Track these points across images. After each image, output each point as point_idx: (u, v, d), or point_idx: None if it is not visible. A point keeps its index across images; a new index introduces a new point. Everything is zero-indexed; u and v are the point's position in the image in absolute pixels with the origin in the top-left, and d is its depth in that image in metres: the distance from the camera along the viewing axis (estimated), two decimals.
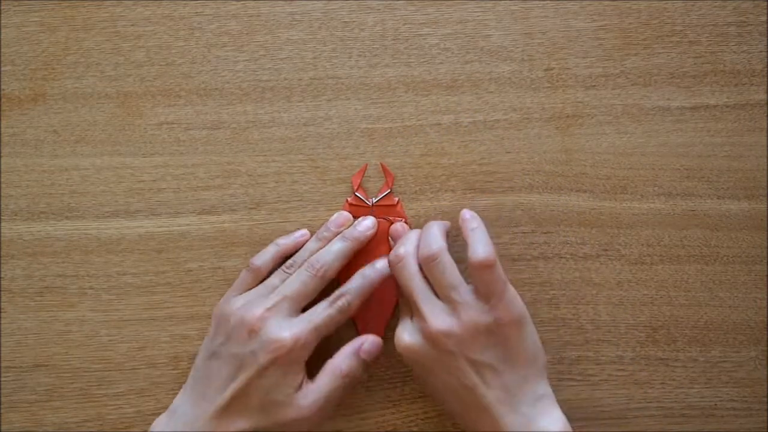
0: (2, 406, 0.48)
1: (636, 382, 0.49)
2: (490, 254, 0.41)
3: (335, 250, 0.46)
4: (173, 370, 0.49)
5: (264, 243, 0.49)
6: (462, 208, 0.50)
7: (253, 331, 0.43)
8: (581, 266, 0.50)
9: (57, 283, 0.49)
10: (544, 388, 0.43)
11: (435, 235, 0.44)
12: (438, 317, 0.42)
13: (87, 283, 0.49)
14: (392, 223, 0.49)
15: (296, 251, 0.47)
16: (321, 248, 0.46)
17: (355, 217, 0.49)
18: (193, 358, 0.48)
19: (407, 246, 0.44)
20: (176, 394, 0.46)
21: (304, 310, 0.45)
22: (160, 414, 0.46)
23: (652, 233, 0.50)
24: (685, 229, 0.50)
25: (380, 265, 0.46)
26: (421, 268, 0.44)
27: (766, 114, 0.51)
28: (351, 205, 0.49)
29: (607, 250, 0.50)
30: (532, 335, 0.43)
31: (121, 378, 0.49)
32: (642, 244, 0.50)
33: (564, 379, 0.49)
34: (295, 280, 0.45)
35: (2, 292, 0.49)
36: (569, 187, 0.50)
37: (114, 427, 0.48)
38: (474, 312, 0.41)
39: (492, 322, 0.41)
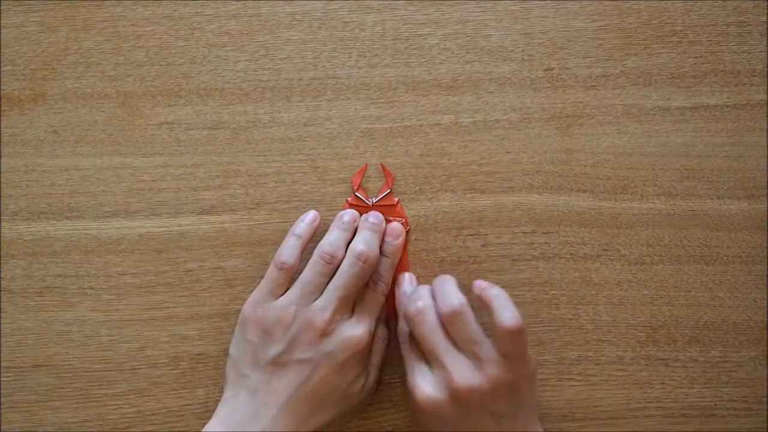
0: (2, 406, 0.48)
1: (636, 382, 0.49)
2: (519, 321, 0.41)
3: (373, 239, 0.46)
4: (173, 370, 0.49)
5: (264, 243, 0.49)
6: (462, 208, 0.50)
7: (325, 335, 0.43)
8: (581, 266, 0.50)
9: (57, 283, 0.49)
10: (540, 428, 0.45)
11: (454, 289, 0.44)
12: (464, 372, 0.42)
13: (87, 283, 0.49)
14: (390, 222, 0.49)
15: (313, 237, 0.47)
16: (349, 237, 0.47)
17: None
18: (193, 358, 0.48)
19: (425, 299, 0.45)
20: (176, 394, 0.46)
21: None
22: (160, 414, 0.46)
23: (652, 233, 0.50)
24: (685, 229, 0.50)
25: (392, 235, 0.48)
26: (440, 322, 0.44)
27: (766, 114, 0.51)
28: (351, 204, 0.49)
29: (607, 250, 0.50)
30: (536, 385, 0.46)
31: (121, 378, 0.49)
32: (642, 244, 0.50)
33: (564, 379, 0.49)
34: (347, 274, 0.44)
35: (2, 292, 0.49)
36: (569, 187, 0.50)
37: (114, 427, 0.48)
38: (498, 369, 0.42)
39: (512, 378, 0.42)
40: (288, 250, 0.46)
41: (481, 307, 0.44)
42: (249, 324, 0.45)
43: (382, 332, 0.47)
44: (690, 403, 0.49)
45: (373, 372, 0.46)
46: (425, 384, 0.43)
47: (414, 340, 0.45)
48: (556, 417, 0.49)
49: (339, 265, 0.45)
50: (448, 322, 0.43)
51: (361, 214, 0.49)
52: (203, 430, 0.43)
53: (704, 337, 0.50)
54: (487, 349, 0.42)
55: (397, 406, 0.49)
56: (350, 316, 0.45)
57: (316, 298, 0.44)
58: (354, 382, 0.44)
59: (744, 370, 0.49)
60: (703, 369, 0.49)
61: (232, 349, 0.46)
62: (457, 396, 0.42)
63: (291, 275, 0.46)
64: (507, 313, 0.42)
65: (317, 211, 0.49)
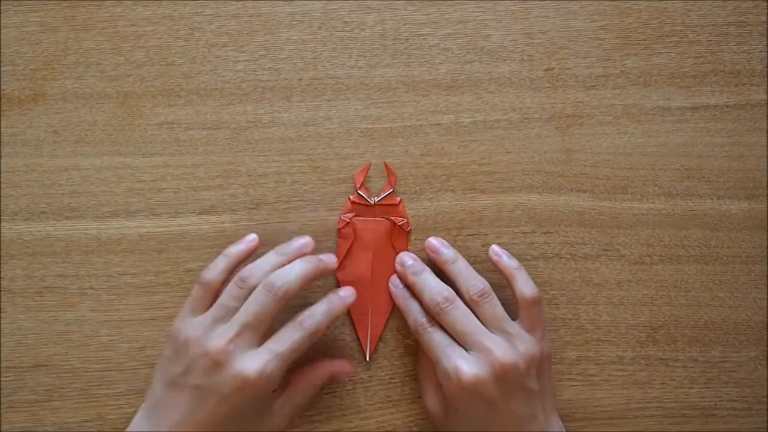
0: (2, 406, 0.48)
1: (636, 382, 0.49)
2: (538, 291, 0.45)
3: (297, 269, 0.43)
4: None
5: (264, 243, 0.49)
6: (462, 208, 0.50)
7: (217, 364, 0.41)
8: (581, 266, 0.50)
9: (57, 283, 0.49)
10: (559, 420, 0.46)
11: (472, 272, 0.46)
12: (504, 349, 0.43)
13: (87, 283, 0.49)
14: (394, 224, 0.49)
15: (246, 259, 0.46)
16: (280, 263, 0.44)
17: (358, 215, 0.49)
18: None
19: (447, 287, 0.45)
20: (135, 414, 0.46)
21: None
22: None
23: (652, 233, 0.50)
24: (685, 229, 0.50)
25: (344, 293, 0.45)
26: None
27: (766, 114, 0.51)
28: (353, 203, 0.49)
29: (607, 250, 0.50)
30: (551, 366, 0.47)
31: (121, 378, 0.49)
32: (642, 244, 0.50)
33: (564, 379, 0.49)
34: (253, 303, 0.42)
35: (2, 292, 0.49)
36: (569, 187, 0.50)
37: (114, 427, 0.48)
38: (528, 343, 0.44)
39: (539, 354, 0.44)
40: (213, 268, 0.45)
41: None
42: (168, 338, 0.44)
43: (317, 376, 0.45)
44: (690, 403, 0.49)
45: (287, 410, 0.45)
46: (468, 364, 0.42)
47: (437, 329, 0.44)
48: None
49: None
50: (476, 304, 0.44)
51: (360, 216, 0.49)
52: None
53: (704, 337, 0.50)
54: (514, 326, 0.44)
55: (397, 406, 0.49)
56: (252, 347, 0.42)
57: (225, 322, 0.42)
58: (247, 418, 0.42)
59: (744, 370, 0.49)
60: (703, 369, 0.49)
61: (160, 359, 0.45)
62: (499, 373, 0.42)
63: (212, 294, 0.44)
64: (528, 285, 0.45)
65: (318, 211, 0.49)
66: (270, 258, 0.45)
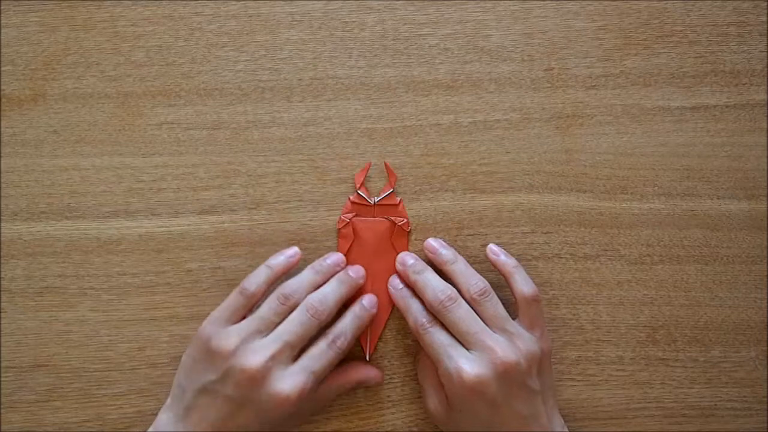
0: (2, 406, 0.48)
1: (636, 382, 0.49)
2: (537, 289, 0.46)
3: (336, 293, 0.45)
4: (173, 370, 0.48)
5: (264, 243, 0.49)
6: (462, 208, 0.50)
7: (255, 381, 0.42)
8: (581, 266, 0.50)
9: (57, 283, 0.49)
10: (560, 417, 0.46)
11: (472, 271, 0.46)
12: (506, 348, 0.43)
13: (87, 283, 0.49)
14: (394, 224, 0.49)
15: (287, 272, 0.46)
16: (318, 282, 0.46)
17: (358, 215, 0.49)
18: None
19: (449, 286, 0.45)
20: (160, 412, 0.46)
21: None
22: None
23: (652, 233, 0.50)
24: (685, 229, 0.50)
25: (367, 302, 0.47)
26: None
27: (766, 114, 0.51)
28: (353, 203, 0.49)
29: (607, 250, 0.50)
30: (551, 364, 0.47)
31: (121, 378, 0.49)
32: (642, 244, 0.50)
33: (564, 379, 0.49)
34: (295, 323, 0.43)
35: (2, 292, 0.49)
36: (569, 187, 0.50)
37: (114, 427, 0.48)
38: (528, 342, 0.44)
39: (539, 353, 0.44)
40: (255, 279, 0.45)
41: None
42: (198, 340, 0.44)
43: (340, 381, 0.46)
44: (690, 403, 0.49)
45: (313, 407, 0.46)
46: (471, 364, 0.42)
47: (438, 328, 0.44)
48: None
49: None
50: (477, 303, 0.44)
51: (359, 215, 0.49)
52: None
53: (704, 337, 0.50)
54: (514, 325, 0.44)
55: (397, 406, 0.49)
56: (288, 365, 0.43)
57: (264, 336, 0.43)
58: (283, 422, 0.43)
59: (744, 370, 0.49)
60: (703, 369, 0.49)
61: (184, 357, 0.46)
62: (501, 372, 0.42)
63: (251, 304, 0.45)
64: (527, 283, 0.46)
65: (318, 211, 0.49)
66: (308, 276, 0.46)
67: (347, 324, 0.45)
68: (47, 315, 0.49)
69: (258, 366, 0.42)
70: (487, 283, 0.45)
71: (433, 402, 0.46)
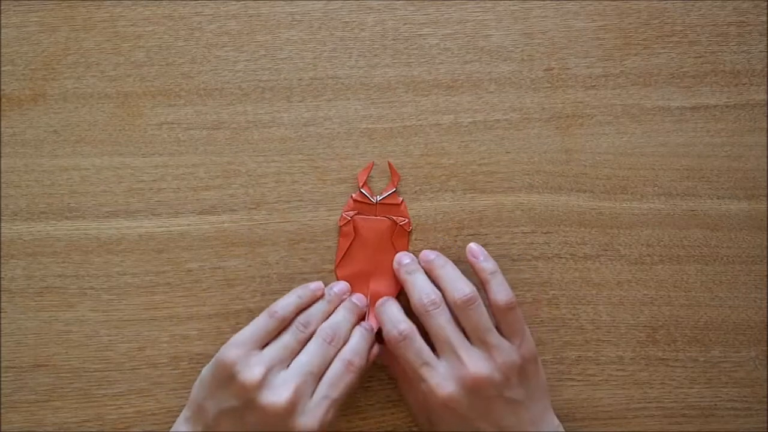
0: (2, 406, 0.48)
1: (636, 382, 0.49)
2: (512, 297, 0.45)
3: (347, 322, 0.46)
4: (173, 370, 0.49)
5: (264, 243, 0.49)
6: (462, 208, 0.50)
7: (280, 417, 0.41)
8: (581, 266, 0.50)
9: (57, 283, 0.49)
10: (555, 418, 0.46)
11: (460, 276, 0.46)
12: (478, 362, 0.43)
13: (87, 283, 0.49)
14: (395, 223, 0.49)
15: (312, 303, 0.47)
16: (329, 311, 0.47)
17: (359, 213, 0.49)
18: (193, 358, 0.48)
19: (436, 291, 0.45)
20: (176, 394, 0.46)
21: None
22: (160, 414, 0.46)
23: (652, 233, 0.50)
24: (685, 229, 0.50)
25: (368, 324, 0.47)
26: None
27: (766, 114, 0.51)
28: (355, 201, 0.49)
29: (607, 250, 0.50)
30: (541, 368, 0.47)
31: (121, 378, 0.48)
32: (642, 244, 0.50)
33: (564, 379, 0.49)
34: (314, 353, 0.44)
35: (2, 292, 0.49)
36: (569, 187, 0.50)
37: (114, 427, 0.48)
38: (506, 353, 0.43)
39: (519, 361, 0.44)
40: (287, 306, 0.46)
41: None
42: (222, 363, 0.43)
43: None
44: (690, 403, 0.49)
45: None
46: (439, 384, 0.43)
47: (412, 340, 0.44)
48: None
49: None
50: (461, 310, 0.44)
51: (362, 214, 0.49)
52: None
53: (704, 337, 0.50)
54: (496, 336, 0.44)
55: (397, 406, 0.49)
56: (311, 395, 0.43)
57: (286, 367, 0.43)
58: None
59: (744, 370, 0.49)
60: (703, 369, 0.49)
61: (205, 373, 0.45)
62: (472, 388, 0.42)
63: (281, 328, 0.45)
64: (502, 290, 0.45)
65: (318, 211, 0.49)
66: (321, 306, 0.47)
67: (359, 343, 0.45)
68: (47, 315, 0.49)
69: (285, 402, 0.41)
70: (474, 290, 0.44)
71: (414, 414, 0.47)
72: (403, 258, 0.48)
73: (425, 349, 0.44)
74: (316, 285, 0.47)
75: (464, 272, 0.47)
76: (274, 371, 0.43)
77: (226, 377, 0.43)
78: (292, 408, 0.42)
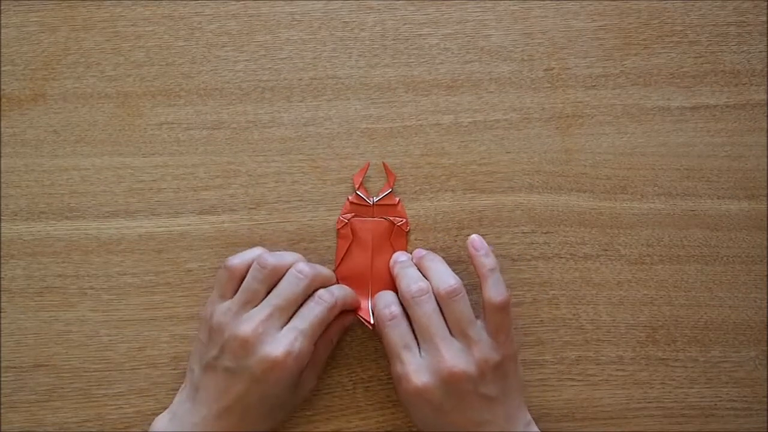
0: (2, 406, 0.48)
1: (636, 382, 0.49)
2: (507, 297, 0.44)
3: (318, 266, 0.46)
4: (173, 370, 0.49)
5: (264, 243, 0.49)
6: (462, 208, 0.50)
7: (246, 348, 0.42)
8: (581, 266, 0.50)
9: (57, 283, 0.49)
10: (528, 414, 0.46)
11: (447, 270, 0.46)
12: (456, 356, 0.43)
13: (87, 283, 0.49)
14: (393, 224, 0.49)
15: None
16: (297, 259, 0.46)
17: (356, 215, 0.49)
18: None
19: (424, 280, 0.45)
20: (176, 394, 0.46)
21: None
22: (160, 414, 0.46)
23: (652, 233, 0.50)
24: (685, 229, 0.50)
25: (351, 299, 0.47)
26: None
27: (766, 114, 0.51)
28: (352, 203, 0.49)
29: (607, 250, 0.50)
30: (520, 367, 0.47)
31: (121, 378, 0.49)
32: (642, 244, 0.50)
33: (564, 379, 0.49)
34: (282, 287, 0.44)
35: (2, 292, 0.49)
36: (569, 187, 0.50)
37: (114, 427, 0.48)
38: (487, 349, 0.43)
39: (499, 359, 0.44)
40: (240, 256, 0.46)
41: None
42: (201, 321, 0.46)
43: (331, 333, 0.46)
44: (690, 403, 0.49)
45: (312, 375, 0.46)
46: (417, 371, 0.43)
47: (399, 322, 0.44)
48: (556, 417, 0.49)
49: (278, 280, 0.45)
50: (445, 302, 0.44)
51: (359, 215, 0.49)
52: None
53: (704, 337, 0.50)
54: (478, 330, 0.44)
55: (397, 406, 0.49)
56: (280, 329, 0.43)
57: (254, 307, 0.44)
58: (280, 395, 0.44)
59: (744, 370, 0.49)
60: (703, 369, 0.49)
61: (195, 342, 0.46)
62: (447, 380, 0.42)
63: (237, 279, 0.45)
64: (499, 288, 0.44)
65: (318, 211, 0.49)
66: (290, 254, 0.47)
67: (333, 287, 0.46)
68: (47, 315, 0.49)
69: (250, 332, 0.42)
70: (460, 283, 0.44)
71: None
72: (400, 256, 0.48)
73: (410, 335, 0.44)
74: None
75: (459, 273, 0.47)
76: (240, 312, 0.44)
77: (205, 332, 0.45)
78: (257, 338, 0.42)
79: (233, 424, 0.43)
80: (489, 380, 0.43)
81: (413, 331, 0.44)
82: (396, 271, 0.47)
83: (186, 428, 0.43)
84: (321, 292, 0.45)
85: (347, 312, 0.47)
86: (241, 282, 0.45)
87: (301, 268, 0.45)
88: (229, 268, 0.45)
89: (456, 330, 0.44)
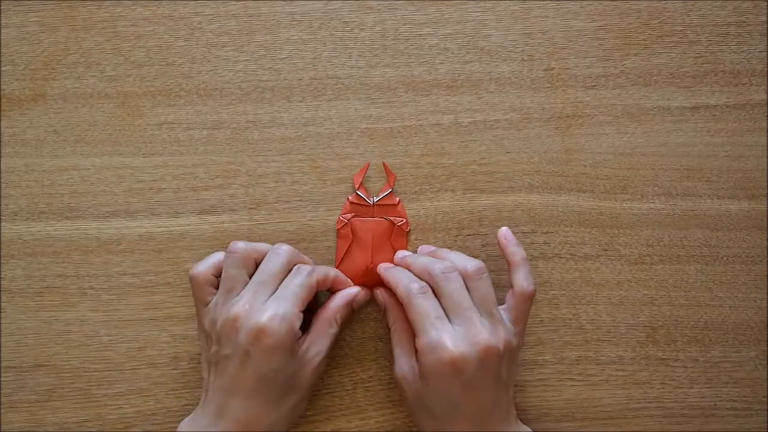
0: (2, 406, 0.48)
1: (636, 382, 0.49)
2: (535, 288, 0.45)
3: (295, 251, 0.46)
4: (173, 370, 0.49)
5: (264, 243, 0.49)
6: (462, 208, 0.50)
7: (236, 324, 0.42)
8: (581, 266, 0.50)
9: (57, 283, 0.49)
10: (515, 409, 0.46)
11: (466, 255, 0.46)
12: (490, 333, 0.43)
13: (87, 283, 0.49)
14: (393, 224, 0.49)
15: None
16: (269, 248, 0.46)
17: (357, 215, 0.49)
18: (193, 358, 0.48)
19: (449, 261, 0.45)
20: (176, 394, 0.47)
21: None
22: (159, 414, 0.46)
23: (652, 233, 0.50)
24: (685, 229, 0.50)
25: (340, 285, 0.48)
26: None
27: (766, 114, 0.51)
28: (352, 203, 0.49)
29: (607, 250, 0.50)
30: (519, 358, 0.47)
31: (121, 378, 0.49)
32: (642, 244, 0.50)
33: (564, 379, 0.49)
34: (263, 266, 0.44)
35: (2, 292, 0.49)
36: (569, 187, 0.50)
37: (114, 427, 0.48)
38: (508, 332, 0.44)
39: (515, 345, 0.44)
40: (202, 264, 0.45)
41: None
42: (198, 333, 0.46)
43: (342, 318, 0.46)
44: (690, 403, 0.49)
45: (317, 351, 0.45)
46: (454, 340, 0.42)
47: (428, 296, 0.44)
48: (556, 417, 0.49)
49: (254, 264, 0.45)
50: (473, 280, 0.44)
51: (359, 216, 0.49)
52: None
53: (704, 337, 0.50)
54: (499, 311, 0.44)
55: (397, 406, 0.49)
56: (265, 302, 0.43)
57: (238, 293, 0.44)
58: (279, 369, 0.42)
59: (744, 370, 0.49)
60: (703, 369, 0.49)
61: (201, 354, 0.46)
62: (483, 355, 0.42)
63: (207, 284, 0.45)
64: (529, 279, 0.45)
65: (318, 211, 0.49)
66: (264, 244, 0.46)
67: (312, 263, 0.47)
68: (47, 315, 0.49)
69: (239, 310, 0.42)
70: (483, 264, 0.45)
71: (402, 369, 0.45)
72: (404, 252, 0.48)
73: (440, 308, 0.44)
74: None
75: None
76: (227, 300, 0.44)
77: (203, 335, 0.45)
78: (244, 314, 0.42)
79: (240, 413, 0.42)
80: (506, 363, 0.44)
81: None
82: (408, 261, 0.46)
83: (200, 428, 0.43)
84: (299, 264, 0.45)
85: (352, 288, 0.47)
86: (215, 285, 0.45)
87: (279, 246, 0.45)
88: (194, 277, 0.45)
89: (482, 308, 0.44)
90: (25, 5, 0.51)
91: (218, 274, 0.45)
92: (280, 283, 0.44)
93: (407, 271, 0.46)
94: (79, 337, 0.49)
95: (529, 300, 0.45)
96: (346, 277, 0.48)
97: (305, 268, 0.45)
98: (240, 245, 0.45)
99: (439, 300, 0.44)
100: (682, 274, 0.50)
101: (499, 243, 0.47)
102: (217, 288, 0.45)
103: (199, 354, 0.49)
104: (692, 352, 0.49)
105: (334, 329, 0.46)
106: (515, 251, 0.46)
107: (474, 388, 0.42)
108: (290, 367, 0.43)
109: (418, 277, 0.45)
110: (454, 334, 0.42)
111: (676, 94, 0.51)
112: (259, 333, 0.42)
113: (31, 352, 0.49)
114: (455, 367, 0.42)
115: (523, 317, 0.45)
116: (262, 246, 0.46)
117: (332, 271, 0.47)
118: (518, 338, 0.45)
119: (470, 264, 0.44)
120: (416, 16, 0.51)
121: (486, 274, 0.44)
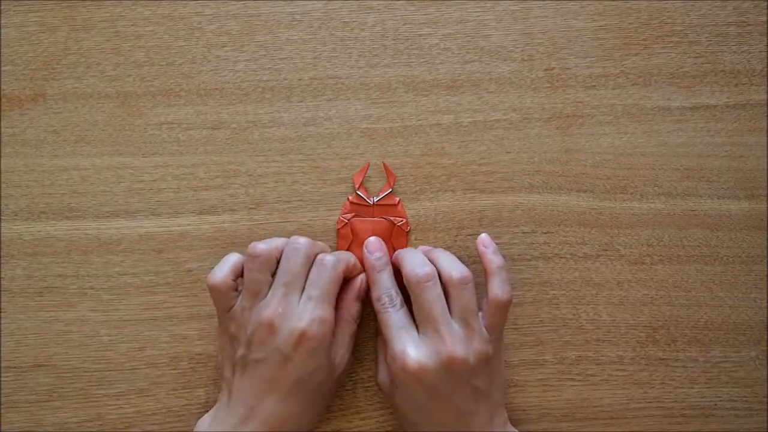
0: (2, 406, 0.48)
1: (636, 382, 0.49)
2: (510, 296, 0.45)
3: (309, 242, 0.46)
4: (173, 370, 0.49)
5: None
6: (462, 208, 0.50)
7: (272, 328, 0.42)
8: (581, 266, 0.50)
9: (57, 283, 0.49)
10: (505, 414, 0.46)
11: (458, 261, 0.46)
12: (458, 343, 0.43)
13: (87, 283, 0.49)
14: (393, 224, 0.49)
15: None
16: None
17: (357, 215, 0.49)
18: (193, 358, 0.48)
19: (431, 265, 0.45)
20: (176, 394, 0.47)
21: None
22: (159, 414, 0.46)
23: (652, 233, 0.50)
24: (685, 229, 0.50)
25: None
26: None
27: (766, 114, 0.51)
28: (352, 203, 0.49)
29: (607, 250, 0.50)
30: (504, 365, 0.48)
31: (121, 378, 0.49)
32: (642, 244, 0.50)
33: (564, 379, 0.49)
34: (283, 266, 0.44)
35: (2, 292, 0.49)
36: (569, 187, 0.50)
37: (114, 427, 0.48)
38: (484, 342, 0.44)
39: (491, 353, 0.44)
40: (219, 269, 0.45)
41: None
42: (219, 337, 0.46)
43: (357, 312, 0.46)
44: (690, 403, 0.49)
45: (342, 354, 0.45)
46: (416, 350, 0.43)
47: (397, 310, 0.44)
48: (556, 417, 0.49)
49: (275, 264, 0.45)
50: (455, 289, 0.44)
51: (358, 215, 0.49)
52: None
53: (704, 337, 0.50)
54: (478, 322, 0.44)
55: None
56: (297, 302, 0.43)
57: (265, 296, 0.44)
58: (316, 371, 0.43)
59: (744, 370, 0.49)
60: (703, 369, 0.49)
61: (218, 358, 0.47)
62: (446, 365, 0.42)
63: (229, 292, 0.45)
64: (505, 287, 0.45)
65: (318, 211, 0.49)
66: (279, 240, 0.46)
67: (324, 247, 0.46)
68: (47, 315, 0.49)
69: (272, 314, 0.43)
70: (470, 273, 0.45)
71: (383, 377, 0.46)
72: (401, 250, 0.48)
73: (409, 317, 0.44)
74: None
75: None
76: (255, 304, 0.43)
77: (227, 339, 0.45)
78: (279, 318, 0.42)
79: (272, 415, 0.43)
80: (481, 373, 0.43)
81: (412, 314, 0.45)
82: (401, 254, 0.47)
83: (227, 428, 0.43)
84: (321, 255, 0.45)
85: (356, 289, 0.47)
86: (236, 288, 0.45)
87: (295, 240, 0.45)
88: (214, 286, 0.44)
89: (460, 317, 0.44)
90: (25, 5, 0.51)
91: (236, 277, 0.45)
92: (305, 278, 0.44)
93: (386, 276, 0.46)
94: (79, 337, 0.49)
95: (503, 308, 0.45)
96: (357, 261, 0.47)
97: (329, 260, 0.44)
98: (260, 248, 0.44)
99: (413, 308, 0.44)
100: (682, 274, 0.50)
101: (477, 249, 0.46)
102: (237, 290, 0.45)
103: (199, 354, 0.49)
104: (692, 352, 0.49)
105: (352, 327, 0.46)
106: (493, 259, 0.46)
107: (439, 396, 0.43)
108: (326, 369, 0.44)
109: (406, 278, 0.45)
110: (418, 344, 0.43)
111: (676, 94, 0.51)
112: (300, 338, 0.42)
113: (31, 352, 0.49)
114: (415, 376, 0.42)
115: (498, 325, 0.45)
116: (279, 242, 0.45)
117: (351, 259, 0.47)
118: (495, 346, 0.45)
119: (456, 272, 0.44)
120: (416, 16, 0.51)
121: (470, 284, 0.44)
